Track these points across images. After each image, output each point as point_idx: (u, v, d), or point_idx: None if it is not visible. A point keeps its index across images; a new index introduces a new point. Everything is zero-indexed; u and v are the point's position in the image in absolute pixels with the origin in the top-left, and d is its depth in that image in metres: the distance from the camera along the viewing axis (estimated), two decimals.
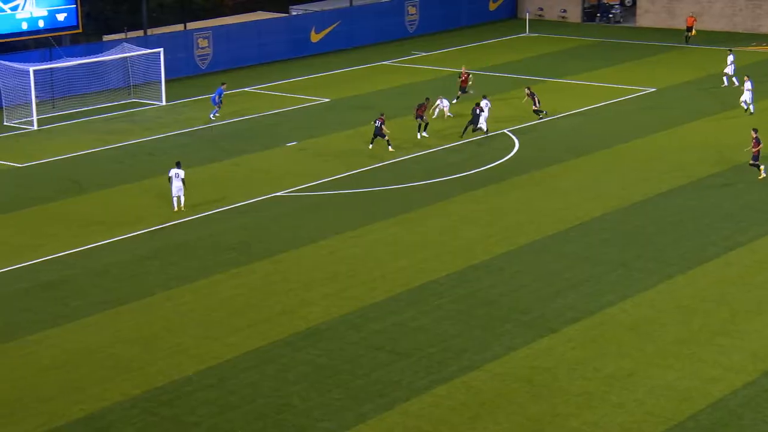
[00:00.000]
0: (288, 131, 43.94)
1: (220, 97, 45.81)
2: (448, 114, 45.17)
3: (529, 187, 36.89)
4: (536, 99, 45.37)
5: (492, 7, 71.18)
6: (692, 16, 63.02)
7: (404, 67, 57.29)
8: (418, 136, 42.41)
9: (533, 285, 28.63)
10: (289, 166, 39.70)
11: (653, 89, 51.36)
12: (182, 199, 34.28)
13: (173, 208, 34.25)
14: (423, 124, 42.69)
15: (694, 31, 61.89)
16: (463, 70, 48.49)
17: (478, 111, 42.80)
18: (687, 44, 61.44)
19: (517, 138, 42.89)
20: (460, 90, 48.07)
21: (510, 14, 72.26)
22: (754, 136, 36.53)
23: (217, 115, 46.07)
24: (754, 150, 36.32)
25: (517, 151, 41.13)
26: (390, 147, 41.01)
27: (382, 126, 40.84)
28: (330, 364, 24.18)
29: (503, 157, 40.39)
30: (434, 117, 44.78)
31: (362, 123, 44.90)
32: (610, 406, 22.37)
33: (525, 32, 67.09)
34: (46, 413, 22.18)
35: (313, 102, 49.93)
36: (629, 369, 23.91)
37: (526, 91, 46.14)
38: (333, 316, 26.55)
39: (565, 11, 71.72)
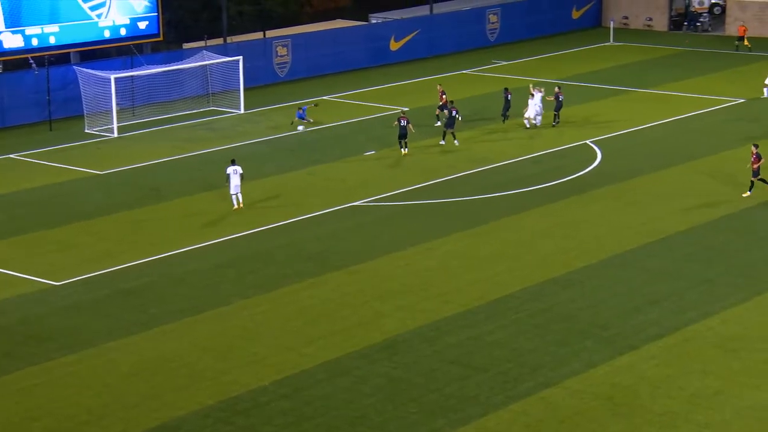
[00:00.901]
0: (365, 140, 44.31)
1: (303, 112, 46.19)
2: (534, 122, 45.11)
3: (610, 199, 36.68)
4: (561, 101, 45.36)
5: (575, 15, 70.85)
6: (743, 26, 62.14)
7: (485, 77, 57.33)
8: (443, 143, 43.20)
9: (613, 300, 28.48)
10: (365, 175, 40.07)
11: (742, 100, 50.64)
12: (240, 196, 35.27)
13: (233, 206, 35.18)
14: (451, 133, 43.26)
15: (746, 41, 61.02)
16: (439, 88, 47.42)
17: (509, 97, 44.14)
18: (737, 52, 60.82)
19: (599, 149, 42.66)
20: (439, 108, 46.27)
21: (594, 23, 71.84)
22: (755, 151, 35.93)
23: (306, 121, 46.27)
24: (754, 166, 35.72)
25: (600, 162, 40.91)
26: (406, 150, 41.58)
27: (408, 125, 41.26)
28: (405, 377, 24.39)
29: (584, 169, 40.21)
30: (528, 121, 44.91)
31: (440, 133, 45.08)
32: (695, 426, 22.16)
33: (609, 41, 66.63)
34: (125, 420, 22.74)
35: (391, 111, 50.25)
36: (715, 388, 23.65)
37: (556, 89, 46.16)
38: (408, 329, 26.75)
39: (651, 19, 71.04)
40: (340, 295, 29.06)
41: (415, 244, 32.73)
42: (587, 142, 43.88)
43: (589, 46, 65.36)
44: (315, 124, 46.90)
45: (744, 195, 35.96)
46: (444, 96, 46.73)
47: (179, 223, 35.11)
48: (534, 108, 45.08)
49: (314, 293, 29.19)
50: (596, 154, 42.14)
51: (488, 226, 34.30)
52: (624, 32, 69.24)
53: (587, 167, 40.45)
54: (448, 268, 30.86)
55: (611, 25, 68.16)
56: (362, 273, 30.60)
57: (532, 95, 45.47)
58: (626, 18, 71.52)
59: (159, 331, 26.93)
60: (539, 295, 28.77)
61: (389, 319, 27.39)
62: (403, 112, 42.56)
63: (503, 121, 44.90)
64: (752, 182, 36.05)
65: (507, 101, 44.74)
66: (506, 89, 45.40)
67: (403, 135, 41.78)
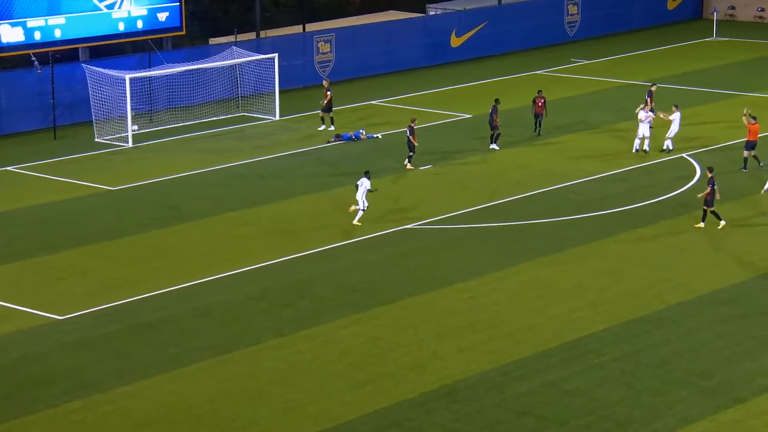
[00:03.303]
0: (421, 152, 44.43)
1: (356, 138, 46.53)
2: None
3: (712, 223, 36.47)
4: (543, 107, 45.83)
5: (671, 5, 70.66)
6: None
7: (562, 78, 57.34)
8: (493, 147, 44.44)
9: (716, 343, 28.34)
10: (422, 193, 40.22)
11: None
12: (360, 211, 36.57)
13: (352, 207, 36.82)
14: (495, 134, 44.36)
15: None
16: (324, 83, 48.12)
17: (541, 104, 44.94)
18: None
19: (698, 164, 42.45)
20: (323, 111, 47.46)
21: (693, 14, 71.59)
22: (710, 175, 35.75)
23: (362, 133, 46.73)
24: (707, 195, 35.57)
25: (699, 179, 40.70)
26: (409, 164, 42.25)
27: (411, 136, 42.03)
28: (467, 429, 24.43)
29: (680, 188, 40.04)
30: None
31: (511, 144, 45.17)
32: None
33: (712, 36, 66.36)
34: None
35: (452, 118, 50.44)
36: None
37: (541, 93, 46.50)
38: (471, 373, 26.82)
39: (763, 10, 70.66)
40: (391, 332, 29.19)
41: (480, 273, 32.80)
42: (684, 155, 43.69)
43: (688, 42, 65.11)
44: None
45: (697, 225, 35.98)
46: (329, 93, 47.27)
47: (204, 247, 35.48)
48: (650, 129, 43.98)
49: (360, 331, 29.35)
50: (695, 169, 41.93)
51: (566, 254, 34.28)
52: (730, 25, 68.89)
53: (684, 185, 40.25)
54: (519, 303, 30.89)
55: (714, 17, 67.87)
56: (417, 307, 30.72)
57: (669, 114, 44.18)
58: (733, 8, 71.16)
59: (179, 373, 27.21)
60: (627, 336, 28.69)
61: (449, 362, 27.47)
62: (414, 119, 42.88)
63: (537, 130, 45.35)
64: (704, 212, 35.84)
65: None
66: (541, 97, 45.67)
67: (410, 147, 42.28)
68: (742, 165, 41.42)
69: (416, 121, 42.87)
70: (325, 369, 27.32)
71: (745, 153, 41.47)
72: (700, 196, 36.12)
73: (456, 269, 33.19)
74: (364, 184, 36.64)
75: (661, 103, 46.39)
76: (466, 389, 26.12)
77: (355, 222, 36.59)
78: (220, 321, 30.10)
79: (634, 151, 43.86)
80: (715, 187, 35.58)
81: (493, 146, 44.70)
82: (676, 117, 43.49)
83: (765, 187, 37.94)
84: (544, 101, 46.23)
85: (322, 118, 48.01)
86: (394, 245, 35.35)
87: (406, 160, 42.64)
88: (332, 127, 47.59)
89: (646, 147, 43.83)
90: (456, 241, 35.62)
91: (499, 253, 34.47)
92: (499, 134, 44.68)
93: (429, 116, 50.04)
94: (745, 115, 42.10)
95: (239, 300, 31.39)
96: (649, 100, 45.01)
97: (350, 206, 36.85)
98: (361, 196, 36.55)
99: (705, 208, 35.84)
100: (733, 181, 40.51)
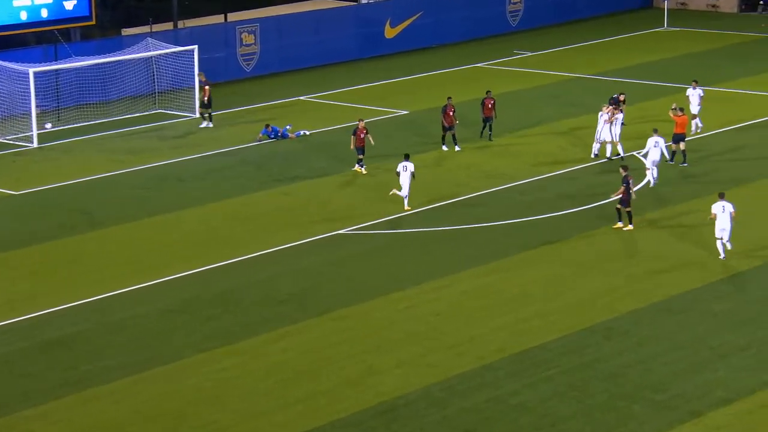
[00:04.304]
0: (354, 152, 44.55)
1: (283, 136, 46.50)
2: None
3: (664, 225, 36.92)
4: (493, 108, 45.29)
5: None
6: None
7: (504, 71, 57.71)
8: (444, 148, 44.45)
9: (670, 354, 28.67)
10: (355, 195, 40.30)
11: None
12: (406, 199, 37.63)
13: (405, 207, 38.12)
14: (451, 135, 44.56)
15: None
16: (201, 78, 49.11)
17: (491, 105, 44.99)
18: None
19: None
20: (202, 106, 48.59)
21: (643, 3, 72.52)
22: (624, 173, 36.46)
23: (289, 129, 46.81)
24: (623, 195, 36.20)
25: (650, 179, 41.13)
26: (360, 166, 42.28)
27: (367, 135, 42.14)
28: None
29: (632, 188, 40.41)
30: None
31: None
32: None
33: (663, 26, 67.18)
34: None
35: (387, 115, 50.57)
36: None
37: (489, 94, 45.84)
38: (410, 389, 26.90)
39: None
40: (324, 346, 29.23)
41: (419, 281, 32.94)
42: (634, 153, 44.14)
43: (638, 33, 65.83)
44: (290, 129, 47.20)
45: (615, 227, 36.50)
46: (207, 88, 48.06)
47: (119, 256, 35.28)
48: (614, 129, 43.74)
49: (290, 345, 29.34)
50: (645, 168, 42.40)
51: (511, 260, 34.51)
52: (682, 15, 69.78)
53: (635, 185, 40.62)
54: (461, 313, 31.06)
55: (665, 6, 68.74)
56: (352, 319, 30.78)
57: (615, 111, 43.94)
58: None
59: (92, 393, 27.02)
60: (576, 347, 28.94)
61: (387, 377, 27.56)
62: (361, 119, 42.97)
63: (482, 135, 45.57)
64: (619, 211, 36.47)
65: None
66: (488, 99, 45.67)
67: (360, 149, 42.22)
68: (670, 158, 42.16)
69: (363, 121, 42.67)
70: (252, 387, 27.28)
71: (674, 146, 42.37)
72: (613, 196, 36.49)
73: (393, 277, 33.28)
74: (409, 168, 37.50)
75: (607, 98, 46.76)
76: (406, 406, 26.20)
77: (406, 208, 37.69)
78: (137, 336, 29.94)
79: (592, 155, 43.81)
80: (631, 186, 36.04)
81: (445, 147, 44.50)
82: (618, 118, 43.83)
83: (642, 151, 39.82)
84: (494, 102, 45.68)
85: (202, 114, 48.45)
86: (326, 252, 35.38)
87: (362, 165, 42.30)
88: (210, 124, 48.10)
89: (608, 153, 43.60)
90: (393, 247, 35.72)
91: (439, 259, 34.61)
92: (453, 134, 44.50)
93: (362, 113, 50.09)
94: (672, 109, 42.97)
95: (158, 313, 31.25)
96: (613, 106, 44.37)
97: (391, 190, 37.83)
98: (407, 180, 37.44)
99: (618, 207, 36.25)
100: (687, 181, 41.02)
